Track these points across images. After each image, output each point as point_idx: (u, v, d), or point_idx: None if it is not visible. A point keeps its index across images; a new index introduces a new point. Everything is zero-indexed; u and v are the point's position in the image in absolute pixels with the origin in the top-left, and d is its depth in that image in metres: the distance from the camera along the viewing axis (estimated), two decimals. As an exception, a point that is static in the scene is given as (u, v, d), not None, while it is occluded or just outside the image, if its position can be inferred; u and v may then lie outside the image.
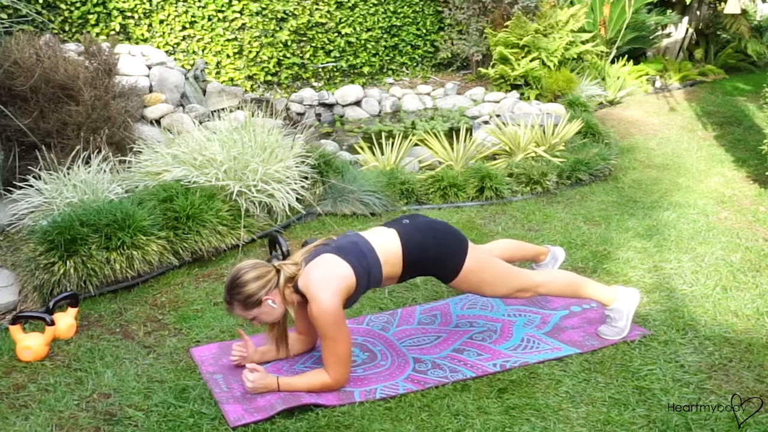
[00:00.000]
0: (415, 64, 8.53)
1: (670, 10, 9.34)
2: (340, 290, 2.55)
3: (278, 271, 2.62)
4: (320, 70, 7.66)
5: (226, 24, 6.84)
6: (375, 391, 2.65)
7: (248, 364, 2.62)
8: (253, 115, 4.63)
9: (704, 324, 3.12)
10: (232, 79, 6.97)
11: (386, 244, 2.71)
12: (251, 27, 6.99)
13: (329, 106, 7.10)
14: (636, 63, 8.91)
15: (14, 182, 4.09)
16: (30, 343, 2.87)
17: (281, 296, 2.61)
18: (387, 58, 8.25)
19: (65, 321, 3.04)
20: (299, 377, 2.64)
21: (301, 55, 7.45)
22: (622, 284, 3.39)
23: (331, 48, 7.68)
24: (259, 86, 7.17)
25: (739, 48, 9.61)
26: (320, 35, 7.54)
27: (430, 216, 4.20)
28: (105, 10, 6.09)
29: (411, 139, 5.28)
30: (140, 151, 4.38)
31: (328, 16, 7.55)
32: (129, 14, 6.23)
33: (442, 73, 8.69)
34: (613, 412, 2.53)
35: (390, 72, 8.31)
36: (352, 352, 2.86)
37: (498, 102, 7.16)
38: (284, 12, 7.18)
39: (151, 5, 6.33)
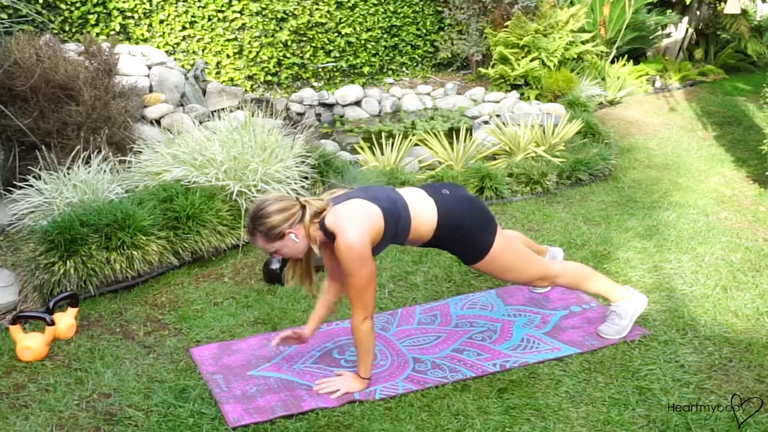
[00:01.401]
0: (415, 64, 8.54)
1: (670, 10, 9.34)
2: (369, 228, 2.51)
3: (303, 207, 2.57)
4: (320, 70, 7.66)
5: (226, 24, 6.84)
6: (375, 392, 2.65)
7: (317, 381, 2.66)
8: (253, 115, 4.63)
9: (704, 324, 3.12)
10: (232, 79, 6.97)
11: (422, 211, 2.67)
12: (251, 27, 6.99)
13: (329, 106, 7.10)
14: (636, 63, 8.91)
15: (14, 182, 4.09)
16: (30, 343, 2.87)
17: (305, 231, 2.56)
18: (387, 58, 8.25)
19: (65, 321, 3.04)
20: (359, 357, 2.62)
21: (301, 55, 7.45)
22: (622, 284, 3.39)
23: (331, 48, 7.68)
24: (259, 86, 7.17)
25: (739, 48, 9.61)
26: (320, 35, 7.54)
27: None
28: (105, 10, 6.09)
29: (411, 139, 5.28)
30: (140, 151, 4.38)
31: (328, 16, 7.55)
32: (129, 14, 6.23)
33: (442, 73, 8.68)
34: (613, 412, 2.53)
35: (390, 72, 8.31)
36: (352, 353, 2.87)
37: (498, 102, 7.16)
38: (284, 12, 7.18)
39: (151, 5, 6.33)
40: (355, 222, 2.50)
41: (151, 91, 5.63)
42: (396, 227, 2.61)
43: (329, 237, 2.56)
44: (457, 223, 2.70)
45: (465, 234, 2.72)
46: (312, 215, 2.55)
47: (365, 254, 2.49)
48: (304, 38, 7.43)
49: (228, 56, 6.93)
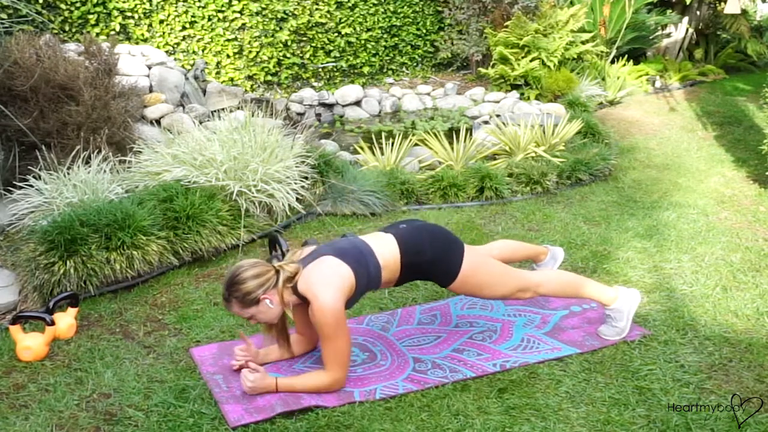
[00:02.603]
0: (415, 64, 8.53)
1: (670, 10, 9.34)
2: (342, 289, 2.55)
3: (277, 272, 2.62)
4: (320, 70, 7.66)
5: (226, 24, 6.84)
6: (375, 391, 2.65)
7: (250, 364, 2.63)
8: (253, 115, 4.63)
9: (704, 324, 3.12)
10: (232, 79, 6.97)
11: (385, 249, 2.72)
12: (251, 27, 6.99)
13: (329, 106, 7.10)
14: (636, 63, 8.91)
15: (14, 182, 4.09)
16: (30, 343, 2.87)
17: (279, 297, 2.62)
18: (387, 58, 8.25)
19: (65, 321, 3.04)
20: (297, 378, 2.64)
21: (301, 55, 7.45)
22: (622, 284, 3.39)
23: (331, 48, 7.68)
24: (259, 86, 7.17)
25: (739, 48, 9.62)
26: (320, 35, 7.54)
27: (431, 216, 4.21)
28: (105, 10, 6.09)
29: (411, 139, 5.28)
30: (140, 151, 4.38)
31: (328, 16, 7.55)
32: (129, 14, 6.23)
33: (442, 73, 8.68)
34: (613, 412, 2.53)
35: (390, 72, 8.31)
36: (352, 352, 2.86)
37: (498, 102, 7.16)
38: (284, 12, 7.18)
39: (151, 5, 6.33)
40: (327, 285, 2.53)
41: (151, 91, 5.63)
42: (367, 280, 2.66)
43: (301, 299, 2.62)
44: (419, 248, 2.75)
45: (429, 258, 2.75)
46: (285, 280, 2.60)
47: (340, 317, 2.53)
48: (304, 38, 7.43)
49: (228, 56, 6.93)
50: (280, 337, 2.79)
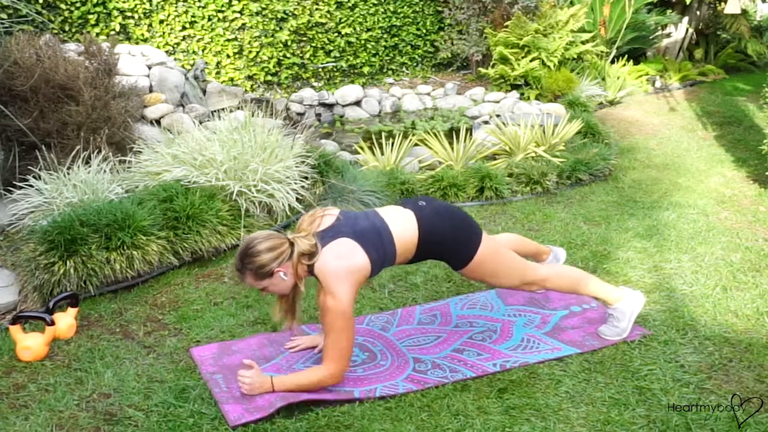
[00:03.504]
0: (415, 64, 8.53)
1: (670, 10, 9.34)
2: (357, 283, 2.55)
3: (292, 244, 2.59)
4: (320, 70, 7.66)
5: (226, 24, 6.84)
6: (375, 391, 2.65)
7: (244, 360, 2.63)
8: (253, 115, 4.63)
9: (704, 324, 3.12)
10: (232, 79, 6.97)
11: (403, 229, 2.69)
12: (251, 27, 6.99)
13: (329, 106, 7.10)
14: (636, 63, 8.91)
15: (14, 182, 4.09)
16: (30, 343, 2.87)
17: (293, 270, 2.59)
18: (387, 58, 8.25)
19: (65, 321, 3.04)
20: (293, 376, 2.63)
21: (301, 55, 7.45)
22: (623, 284, 3.39)
23: (331, 48, 7.68)
24: (259, 86, 7.17)
25: (739, 48, 9.61)
26: (320, 35, 7.54)
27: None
28: (105, 10, 6.09)
29: (411, 139, 5.28)
30: (140, 151, 4.38)
31: (328, 16, 7.55)
32: (129, 14, 6.23)
33: (442, 73, 8.68)
34: (613, 412, 2.53)
35: (390, 72, 8.31)
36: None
37: (498, 102, 7.16)
38: (284, 12, 7.18)
39: (151, 5, 6.33)
40: (343, 279, 2.52)
41: (151, 91, 5.62)
42: (383, 261, 2.66)
43: (314, 276, 2.61)
44: (438, 231, 2.73)
45: (447, 241, 2.74)
46: (299, 254, 2.58)
47: (349, 313, 2.53)
48: (304, 38, 7.43)
49: (228, 56, 6.92)
50: (289, 310, 2.75)
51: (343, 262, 2.55)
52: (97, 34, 6.04)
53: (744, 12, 8.99)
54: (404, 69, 8.44)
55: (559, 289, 2.99)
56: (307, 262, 2.58)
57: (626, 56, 8.86)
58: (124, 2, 6.15)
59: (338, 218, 2.67)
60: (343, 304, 2.50)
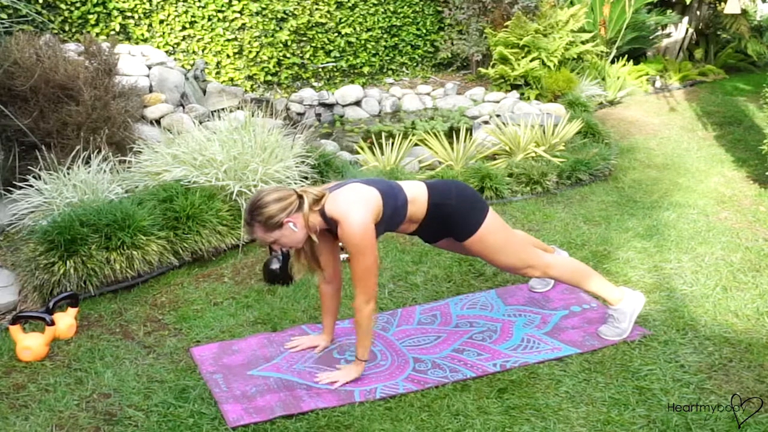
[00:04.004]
0: (415, 64, 8.53)
1: (670, 10, 9.34)
2: (370, 208, 2.59)
3: (300, 196, 2.62)
4: (320, 70, 7.66)
5: (226, 24, 6.84)
6: (375, 391, 2.65)
7: (323, 378, 2.71)
8: (253, 115, 4.62)
9: (704, 324, 3.12)
10: (232, 79, 6.97)
11: (413, 187, 2.78)
12: (251, 27, 6.99)
13: (329, 106, 7.10)
14: (636, 63, 8.91)
15: (14, 182, 4.08)
16: (30, 343, 2.87)
17: (304, 220, 2.60)
18: (387, 58, 8.25)
19: (65, 321, 3.04)
20: (358, 339, 2.67)
21: (301, 55, 7.45)
22: (623, 284, 3.39)
23: (331, 48, 7.68)
24: (259, 86, 7.17)
25: (739, 48, 9.61)
26: (320, 35, 7.54)
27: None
28: (105, 10, 6.09)
29: (411, 139, 5.28)
30: (140, 151, 4.38)
31: (328, 16, 7.55)
32: (129, 14, 6.23)
33: (442, 73, 8.68)
34: (613, 412, 2.53)
35: (390, 72, 8.31)
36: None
37: (498, 102, 7.16)
38: (284, 12, 7.18)
39: (151, 5, 6.33)
40: (357, 205, 2.57)
41: (151, 91, 5.62)
42: (394, 205, 2.68)
43: (330, 224, 2.62)
44: (445, 194, 2.79)
45: (454, 204, 2.78)
46: (311, 203, 2.61)
47: (369, 235, 2.56)
48: (304, 38, 7.43)
49: (228, 56, 6.93)
50: (312, 262, 2.78)
51: (353, 195, 2.61)
52: (97, 34, 6.04)
53: (744, 12, 8.99)
54: (404, 69, 8.44)
55: (560, 279, 2.98)
56: (317, 208, 2.61)
57: (626, 56, 8.86)
58: (124, 2, 6.15)
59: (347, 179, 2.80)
60: (359, 223, 2.53)
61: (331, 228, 2.65)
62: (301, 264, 2.77)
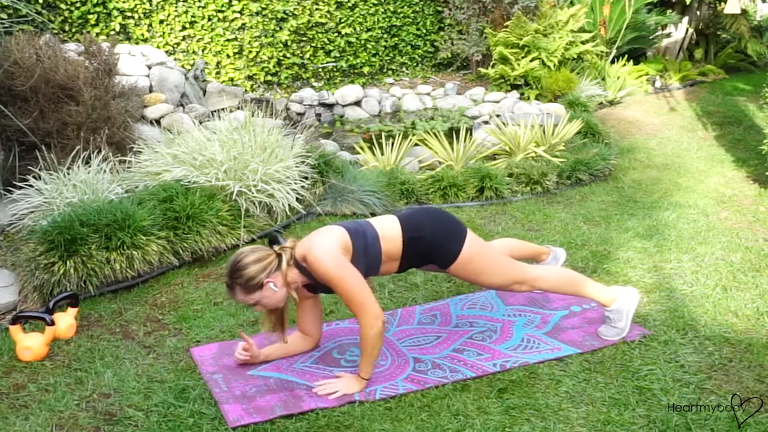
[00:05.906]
0: (415, 64, 8.53)
1: (670, 10, 9.34)
2: (334, 238, 2.60)
3: (278, 255, 2.63)
4: (320, 70, 7.66)
5: (226, 24, 6.84)
6: (375, 391, 2.65)
7: (321, 390, 2.65)
8: (253, 115, 4.63)
9: (704, 324, 3.12)
10: (232, 79, 6.97)
11: (384, 223, 2.77)
12: (251, 27, 6.99)
13: (329, 106, 7.10)
14: (636, 63, 8.91)
15: (14, 182, 4.08)
16: (30, 343, 2.87)
17: (283, 279, 2.61)
18: (387, 58, 8.25)
19: (65, 321, 3.04)
20: (363, 358, 2.63)
21: (301, 55, 7.45)
22: (622, 284, 3.39)
23: (331, 48, 7.68)
24: (259, 86, 7.17)
25: (739, 48, 9.61)
26: (320, 35, 7.54)
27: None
28: (105, 10, 6.09)
29: (411, 139, 5.28)
30: (140, 151, 4.38)
31: (328, 16, 7.55)
32: (129, 14, 6.23)
33: (442, 73, 8.69)
34: (613, 412, 2.53)
35: (390, 72, 8.31)
36: (352, 352, 2.87)
37: (498, 102, 7.16)
38: (284, 12, 7.18)
39: (151, 5, 6.33)
40: (320, 238, 2.62)
41: (151, 91, 5.63)
42: (365, 242, 2.67)
43: (305, 272, 2.62)
44: (418, 225, 2.77)
45: (429, 235, 2.76)
46: (288, 259, 2.63)
47: (338, 258, 2.56)
48: (304, 38, 7.43)
49: (228, 56, 6.93)
50: (278, 323, 2.78)
51: (317, 232, 2.67)
52: (97, 34, 6.04)
53: (744, 12, 8.99)
54: (404, 69, 8.44)
55: (551, 290, 2.99)
56: (292, 261, 2.63)
57: (626, 56, 8.86)
58: (124, 2, 6.15)
59: None
60: (326, 251, 2.54)
61: (309, 279, 2.64)
62: (269, 319, 2.77)
